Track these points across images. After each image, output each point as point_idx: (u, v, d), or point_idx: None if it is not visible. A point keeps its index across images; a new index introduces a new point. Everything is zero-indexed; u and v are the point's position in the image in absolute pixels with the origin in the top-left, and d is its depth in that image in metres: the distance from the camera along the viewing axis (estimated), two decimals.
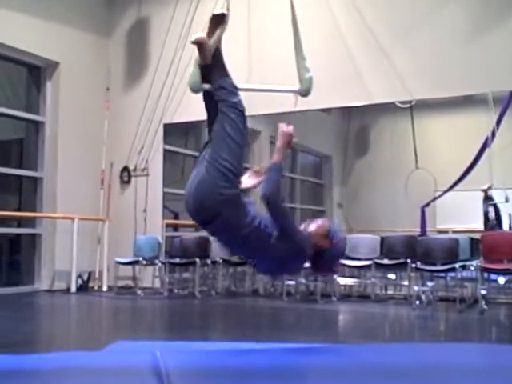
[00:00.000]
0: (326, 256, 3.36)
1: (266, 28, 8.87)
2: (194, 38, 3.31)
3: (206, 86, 3.40)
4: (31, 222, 9.39)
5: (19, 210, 9.46)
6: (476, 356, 3.72)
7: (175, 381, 2.47)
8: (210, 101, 3.40)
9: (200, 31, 3.40)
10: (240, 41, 8.80)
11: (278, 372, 3.12)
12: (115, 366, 2.97)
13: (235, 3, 8.52)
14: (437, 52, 7.99)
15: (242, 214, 3.22)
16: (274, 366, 3.28)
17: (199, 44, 3.30)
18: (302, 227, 3.40)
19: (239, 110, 3.26)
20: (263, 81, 8.01)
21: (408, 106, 11.33)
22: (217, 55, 3.38)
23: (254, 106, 8.70)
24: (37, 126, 9.45)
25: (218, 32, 3.37)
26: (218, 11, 3.40)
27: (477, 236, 7.89)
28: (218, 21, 3.39)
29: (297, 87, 3.85)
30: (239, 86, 3.36)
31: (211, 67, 3.36)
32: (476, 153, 10.55)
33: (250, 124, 11.17)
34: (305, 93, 3.83)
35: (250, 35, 8.89)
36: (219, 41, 3.40)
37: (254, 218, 3.25)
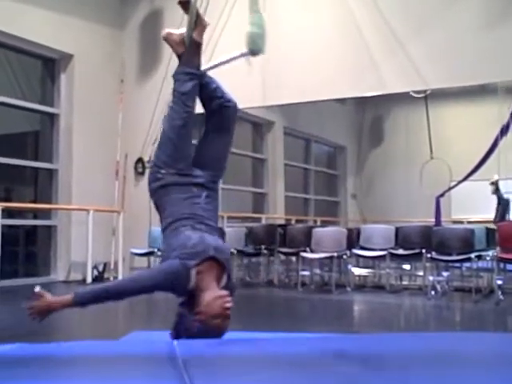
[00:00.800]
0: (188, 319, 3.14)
1: (281, 26, 8.83)
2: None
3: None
4: (47, 213, 9.46)
5: (35, 201, 9.53)
6: (492, 345, 3.70)
7: (192, 369, 2.48)
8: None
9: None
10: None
11: (293, 360, 3.13)
12: (132, 354, 2.99)
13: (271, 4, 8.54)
14: (451, 41, 7.93)
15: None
16: (289, 355, 3.29)
17: (163, 38, 3.50)
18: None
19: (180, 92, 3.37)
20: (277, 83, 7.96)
21: (423, 95, 11.28)
22: (188, 45, 3.44)
23: (268, 96, 8.76)
24: (52, 118, 9.50)
25: (188, 20, 3.41)
26: None
27: (492, 226, 7.85)
28: (184, 7, 3.48)
29: (240, 51, 3.77)
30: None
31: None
32: (491, 142, 10.48)
33: (264, 115, 11.27)
34: (252, 52, 3.75)
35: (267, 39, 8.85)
36: (191, 29, 3.42)
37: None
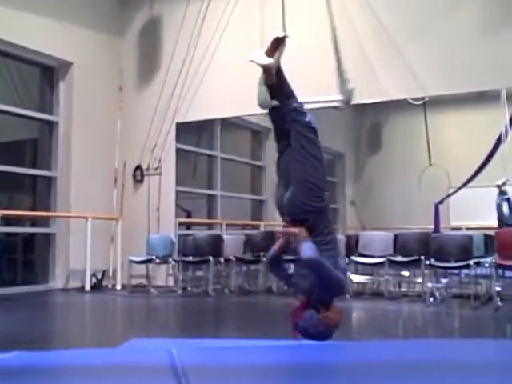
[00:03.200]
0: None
1: (300, 35, 8.86)
2: (260, 62, 3.66)
3: (275, 103, 3.78)
4: (45, 221, 9.45)
5: (33, 209, 9.52)
6: (491, 352, 3.70)
7: (192, 377, 2.48)
8: (277, 116, 3.83)
9: (259, 49, 3.63)
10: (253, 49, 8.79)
11: (292, 368, 3.13)
12: (131, 363, 2.99)
13: (269, 11, 8.59)
14: (450, 48, 7.95)
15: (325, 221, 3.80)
16: (288, 363, 3.29)
17: (267, 68, 3.67)
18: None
19: (312, 128, 3.73)
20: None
21: (421, 102, 11.30)
22: (279, 75, 3.74)
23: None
24: (50, 125, 9.50)
25: (278, 53, 3.71)
26: (280, 33, 3.73)
27: (491, 233, 7.85)
28: (279, 42, 3.73)
29: (339, 97, 4.14)
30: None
31: (277, 87, 3.73)
32: (490, 149, 10.50)
33: (263, 122, 11.36)
34: (347, 103, 4.16)
35: (264, 39, 8.88)
36: (279, 60, 3.72)
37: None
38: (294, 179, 3.73)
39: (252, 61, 3.70)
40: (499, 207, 11.23)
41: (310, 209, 3.70)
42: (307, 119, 3.71)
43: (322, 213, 3.77)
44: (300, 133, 3.69)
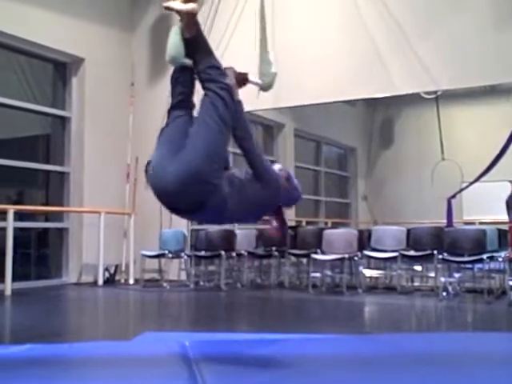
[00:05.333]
0: (282, 198, 3.42)
1: (290, 27, 8.83)
2: (179, 6, 3.09)
3: (188, 61, 3.23)
4: (58, 216, 9.50)
5: (47, 204, 9.58)
6: (504, 346, 3.69)
7: (205, 369, 2.49)
8: (184, 79, 3.33)
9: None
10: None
11: (303, 361, 3.13)
12: (145, 355, 3.00)
13: (280, 5, 8.55)
14: (462, 42, 7.89)
15: (222, 196, 3.09)
16: (300, 356, 3.29)
17: (189, 14, 3.08)
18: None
19: (228, 91, 3.15)
20: (287, 85, 7.93)
21: (433, 96, 11.24)
22: (199, 29, 3.18)
23: (278, 98, 8.76)
24: (63, 121, 9.55)
25: None
26: None
27: (504, 227, 7.81)
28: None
29: (259, 81, 3.70)
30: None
31: (196, 40, 3.16)
32: (503, 143, 10.41)
33: (274, 117, 11.31)
34: (267, 87, 3.71)
35: (276, 41, 8.87)
36: (200, 7, 3.37)
37: (231, 182, 3.17)
38: (191, 147, 3.02)
39: (168, 7, 3.13)
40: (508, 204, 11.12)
41: (206, 186, 2.99)
42: (227, 81, 3.15)
43: (216, 193, 3.04)
44: (217, 94, 3.10)
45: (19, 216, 8.28)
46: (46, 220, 9.68)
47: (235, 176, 3.22)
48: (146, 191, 10.78)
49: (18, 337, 4.70)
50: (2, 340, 4.69)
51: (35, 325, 5.45)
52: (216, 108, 3.06)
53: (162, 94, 10.04)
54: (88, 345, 3.51)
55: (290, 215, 13.01)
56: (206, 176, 2.96)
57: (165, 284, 8.72)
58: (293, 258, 8.87)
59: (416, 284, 8.31)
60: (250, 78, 3.45)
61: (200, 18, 3.27)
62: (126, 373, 2.66)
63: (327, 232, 8.55)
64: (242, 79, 3.39)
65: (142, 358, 2.88)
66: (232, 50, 8.78)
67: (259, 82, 3.71)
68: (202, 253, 8.87)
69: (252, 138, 3.34)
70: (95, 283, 8.97)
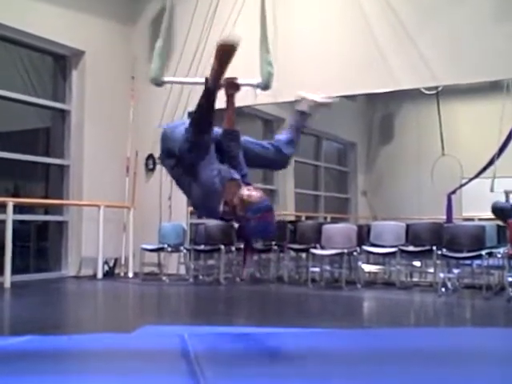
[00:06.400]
0: (242, 223, 3.24)
1: (291, 21, 8.80)
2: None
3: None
4: (58, 209, 9.50)
5: (46, 197, 9.57)
6: (502, 341, 3.70)
7: (204, 363, 2.50)
8: None
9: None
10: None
11: (301, 355, 3.14)
12: (145, 347, 3.01)
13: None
14: (463, 38, 7.88)
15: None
16: (298, 350, 3.30)
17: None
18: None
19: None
20: (287, 80, 7.91)
21: (434, 92, 11.22)
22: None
23: (278, 93, 8.74)
24: (63, 114, 9.54)
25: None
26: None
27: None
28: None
29: (256, 81, 3.68)
30: (171, 79, 3.36)
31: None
32: (503, 139, 10.41)
33: (274, 111, 11.33)
34: (264, 87, 3.71)
35: (277, 35, 8.84)
36: None
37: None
38: None
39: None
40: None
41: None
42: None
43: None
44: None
45: (19, 209, 8.28)
46: (46, 213, 9.68)
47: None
48: (145, 185, 10.84)
49: (17, 329, 4.71)
50: (1, 332, 4.70)
51: (34, 317, 5.46)
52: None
53: (162, 88, 10.03)
54: (87, 337, 3.52)
55: (290, 210, 13.02)
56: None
57: (164, 278, 8.73)
58: (292, 253, 8.87)
59: (415, 279, 8.32)
60: (240, 81, 3.45)
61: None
62: (125, 365, 2.66)
63: (326, 227, 8.55)
64: (231, 84, 3.40)
65: (141, 351, 2.88)
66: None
67: (252, 82, 3.71)
68: (202, 247, 8.88)
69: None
70: (94, 276, 8.98)
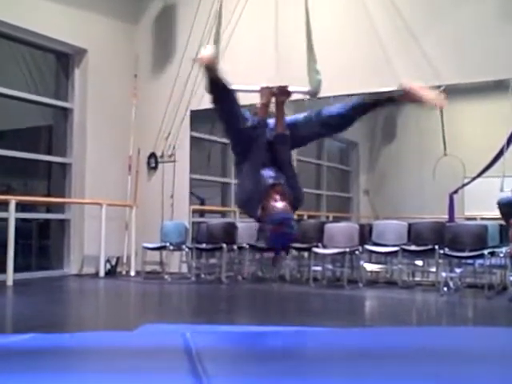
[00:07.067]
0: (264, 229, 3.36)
1: (294, 20, 8.79)
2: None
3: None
4: (60, 207, 9.51)
5: (48, 195, 9.59)
6: (504, 340, 3.69)
7: (206, 361, 2.50)
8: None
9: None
10: (267, 40, 8.75)
11: (303, 354, 3.14)
12: (147, 346, 3.01)
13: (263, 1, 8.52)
14: (466, 37, 7.87)
15: None
16: (300, 348, 3.30)
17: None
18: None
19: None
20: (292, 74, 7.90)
21: (437, 91, 11.19)
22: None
23: None
24: (65, 112, 9.55)
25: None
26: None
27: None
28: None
29: (306, 88, 3.89)
30: (238, 87, 3.43)
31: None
32: (506, 139, 10.38)
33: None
34: (314, 94, 3.88)
35: (278, 34, 8.83)
36: None
37: None
38: None
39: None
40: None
41: None
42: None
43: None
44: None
45: (21, 207, 8.29)
46: (48, 211, 9.69)
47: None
48: (147, 183, 10.86)
49: (20, 327, 4.71)
50: (4, 330, 4.70)
51: (36, 315, 5.46)
52: None
53: (165, 86, 10.07)
54: (89, 335, 3.52)
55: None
56: None
57: (166, 276, 8.74)
58: (294, 252, 8.87)
59: (417, 279, 8.31)
60: (291, 89, 3.57)
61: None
62: (127, 363, 2.67)
63: (328, 226, 8.55)
64: (283, 92, 3.52)
65: (143, 349, 2.89)
66: (232, 50, 8.80)
67: (303, 89, 3.93)
68: (203, 245, 8.88)
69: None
70: (96, 275, 8.98)
